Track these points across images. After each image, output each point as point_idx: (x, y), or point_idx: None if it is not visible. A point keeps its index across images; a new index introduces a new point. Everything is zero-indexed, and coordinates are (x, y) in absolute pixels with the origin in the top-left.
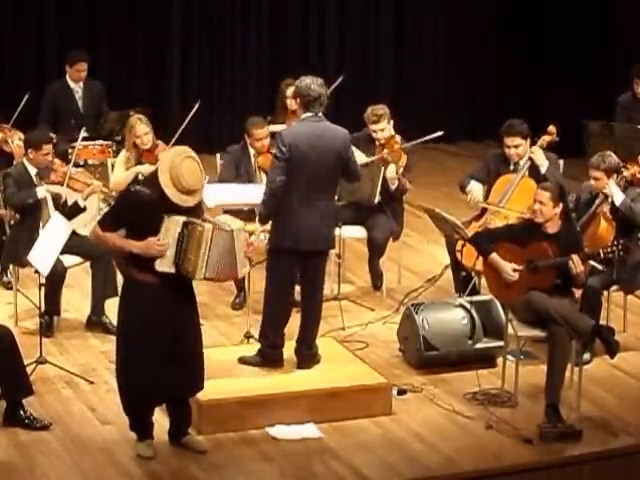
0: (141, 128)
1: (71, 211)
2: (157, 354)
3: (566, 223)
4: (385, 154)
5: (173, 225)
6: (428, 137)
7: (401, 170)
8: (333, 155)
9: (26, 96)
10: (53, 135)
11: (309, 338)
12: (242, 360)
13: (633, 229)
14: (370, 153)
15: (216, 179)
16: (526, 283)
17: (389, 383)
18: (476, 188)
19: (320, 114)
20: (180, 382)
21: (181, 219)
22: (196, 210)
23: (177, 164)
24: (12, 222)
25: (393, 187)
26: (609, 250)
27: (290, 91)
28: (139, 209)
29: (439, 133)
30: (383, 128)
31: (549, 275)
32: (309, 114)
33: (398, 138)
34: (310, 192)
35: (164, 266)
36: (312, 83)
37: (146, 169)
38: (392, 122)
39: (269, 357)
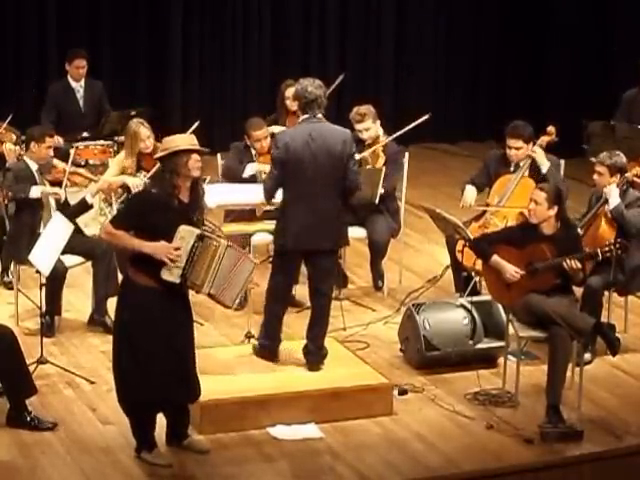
0: (144, 132)
1: (78, 209)
2: (154, 359)
3: (564, 226)
4: (367, 154)
5: (188, 236)
6: (416, 122)
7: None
8: (332, 155)
9: (10, 115)
10: (60, 139)
11: (319, 337)
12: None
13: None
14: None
15: (220, 172)
16: (526, 285)
17: (390, 383)
18: (469, 191)
19: (319, 115)
20: (179, 388)
21: (196, 231)
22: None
23: (165, 141)
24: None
25: (382, 190)
26: (607, 249)
27: (290, 92)
28: (152, 210)
29: (426, 117)
30: (368, 127)
31: (548, 276)
32: (307, 116)
33: (384, 138)
34: (309, 192)
35: (171, 276)
36: (309, 85)
37: (132, 180)
38: (378, 122)
39: (261, 351)
